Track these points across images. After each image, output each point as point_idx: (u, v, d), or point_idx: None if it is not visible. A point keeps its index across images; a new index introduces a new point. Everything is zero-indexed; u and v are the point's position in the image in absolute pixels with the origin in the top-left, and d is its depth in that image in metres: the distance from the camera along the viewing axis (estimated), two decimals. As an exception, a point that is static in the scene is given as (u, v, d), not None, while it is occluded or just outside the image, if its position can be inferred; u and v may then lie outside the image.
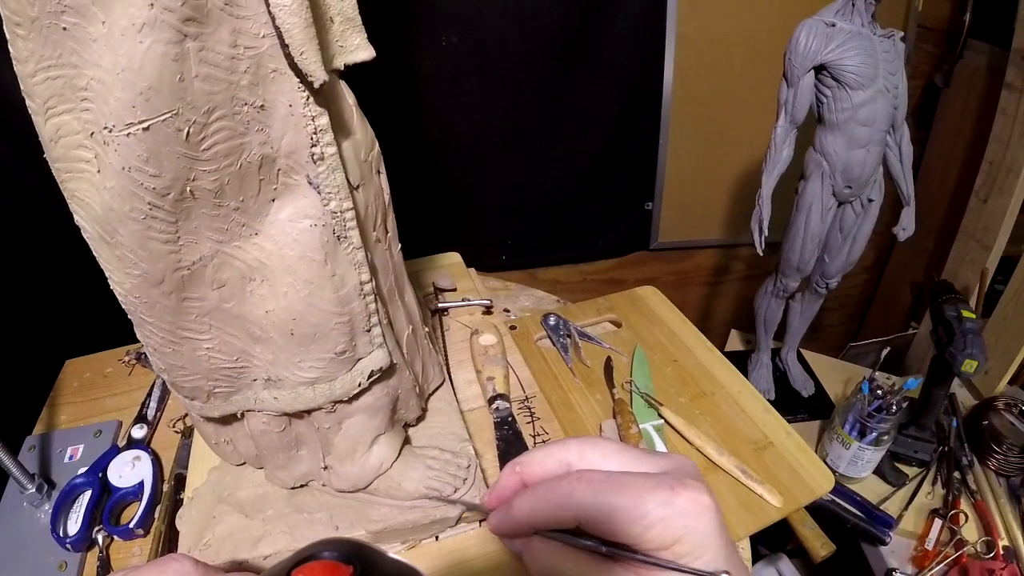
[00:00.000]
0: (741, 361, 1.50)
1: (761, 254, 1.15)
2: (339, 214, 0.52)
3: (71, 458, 0.83)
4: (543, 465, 0.42)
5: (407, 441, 0.71)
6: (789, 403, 1.45)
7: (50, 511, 0.75)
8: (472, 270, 1.14)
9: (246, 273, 0.52)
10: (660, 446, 0.82)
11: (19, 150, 1.13)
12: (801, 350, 1.55)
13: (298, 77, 0.46)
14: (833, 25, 1.00)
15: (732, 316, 2.19)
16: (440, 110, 1.46)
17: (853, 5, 1.01)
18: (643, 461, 0.40)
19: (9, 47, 0.41)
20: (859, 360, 1.74)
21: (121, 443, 0.85)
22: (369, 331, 0.58)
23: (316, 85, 0.45)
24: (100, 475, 0.78)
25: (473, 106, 1.47)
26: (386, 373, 0.62)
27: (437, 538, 0.68)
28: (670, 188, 1.79)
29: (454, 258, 1.17)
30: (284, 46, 0.43)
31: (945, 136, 1.87)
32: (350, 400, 0.60)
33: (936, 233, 1.91)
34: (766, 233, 1.14)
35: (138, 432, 0.85)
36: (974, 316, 1.18)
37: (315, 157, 0.49)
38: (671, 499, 0.35)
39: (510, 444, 0.77)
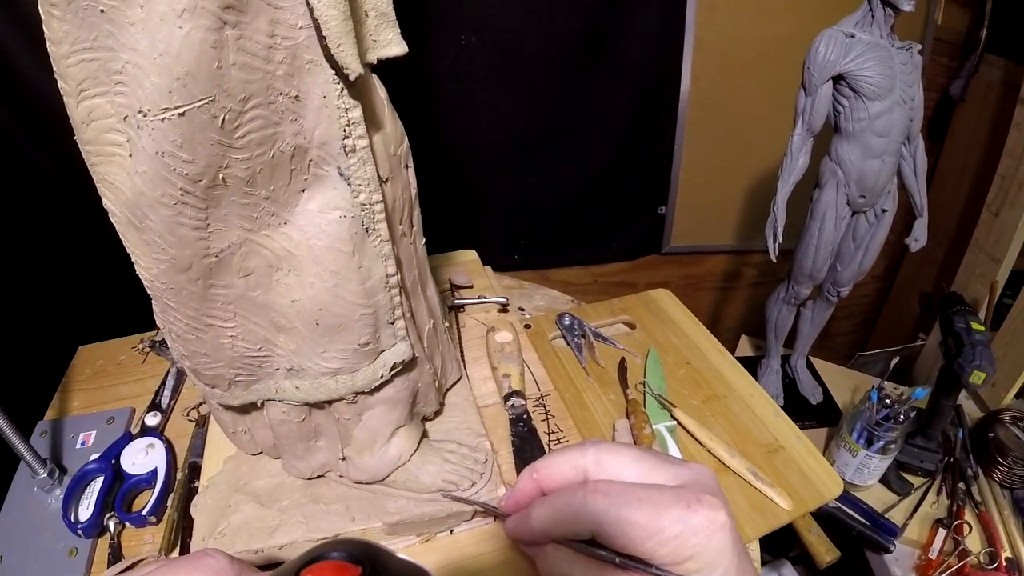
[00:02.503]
0: (751, 367, 1.49)
1: (774, 260, 1.15)
2: (368, 206, 0.52)
3: (83, 444, 0.83)
4: (560, 471, 0.42)
5: (424, 435, 0.71)
6: (797, 409, 1.45)
7: (61, 497, 0.74)
8: (488, 268, 1.14)
9: (273, 262, 0.52)
10: (673, 447, 0.83)
11: (34, 136, 1.14)
12: (810, 357, 1.56)
13: (333, 69, 0.46)
14: (852, 36, 1.01)
15: (742, 322, 2.19)
16: (457, 108, 1.46)
17: (872, 16, 1.01)
18: (661, 470, 0.40)
19: (44, 27, 0.41)
20: (867, 369, 1.75)
21: (134, 430, 0.85)
22: (393, 324, 0.58)
23: (351, 78, 0.45)
24: (113, 462, 0.78)
25: (490, 105, 1.48)
26: (408, 366, 0.62)
27: (452, 532, 0.68)
28: (684, 192, 1.80)
29: (471, 255, 1.17)
30: (321, 38, 0.44)
31: (958, 149, 1.87)
32: (371, 392, 0.60)
33: (947, 245, 1.92)
34: (780, 240, 1.14)
35: (152, 420, 0.85)
36: (983, 328, 1.18)
37: (347, 149, 0.49)
38: (687, 516, 0.35)
39: (525, 441, 0.78)
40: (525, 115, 1.52)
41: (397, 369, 0.60)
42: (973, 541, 1.18)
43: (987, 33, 1.64)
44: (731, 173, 1.81)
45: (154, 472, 0.77)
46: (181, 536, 0.71)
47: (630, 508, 0.36)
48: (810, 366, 1.56)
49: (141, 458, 0.79)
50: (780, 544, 1.40)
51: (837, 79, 1.03)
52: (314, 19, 0.43)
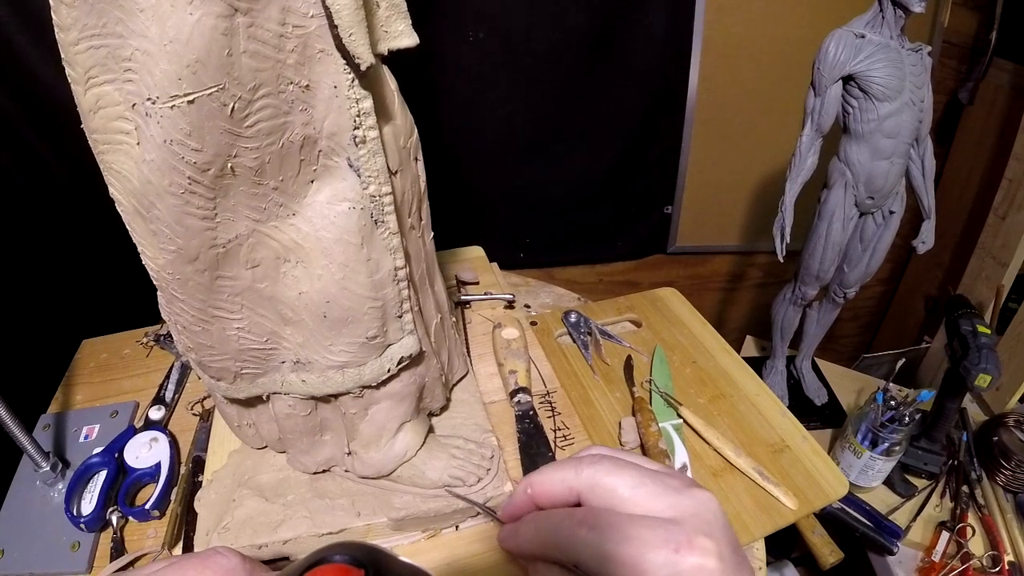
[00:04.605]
0: (756, 367, 1.49)
1: (782, 260, 1.15)
2: (377, 198, 0.51)
3: (86, 438, 0.83)
4: (553, 488, 0.40)
5: (431, 430, 0.70)
6: (802, 410, 1.45)
7: (64, 490, 0.74)
8: (495, 265, 1.14)
9: (281, 254, 0.51)
10: (679, 445, 0.82)
11: (39, 128, 1.13)
12: (815, 359, 1.55)
13: (344, 59, 0.45)
14: (862, 36, 1.00)
15: (747, 322, 2.19)
16: (464, 105, 1.46)
17: (883, 17, 1.00)
18: (659, 499, 0.38)
19: (52, 14, 0.41)
20: (871, 371, 1.75)
21: (138, 424, 0.85)
22: (400, 317, 0.58)
23: (363, 68, 0.45)
24: (116, 455, 0.78)
25: (497, 103, 1.48)
26: (415, 360, 0.62)
27: (457, 528, 0.68)
28: (690, 192, 1.80)
29: (477, 252, 1.17)
30: (333, 27, 0.43)
31: (966, 152, 1.87)
32: (378, 386, 0.59)
33: (953, 248, 1.91)
34: (788, 240, 1.14)
35: (155, 414, 0.85)
36: (989, 331, 1.18)
37: (357, 140, 0.49)
38: (674, 560, 0.34)
39: (531, 437, 0.77)
40: (532, 113, 1.52)
41: (404, 363, 0.60)
42: (976, 544, 1.18)
43: (996, 36, 1.63)
44: (738, 173, 1.81)
45: (158, 466, 0.77)
46: (185, 530, 0.71)
47: (615, 545, 0.35)
48: (815, 367, 1.56)
49: (145, 452, 0.78)
50: (783, 545, 1.40)
51: (847, 80, 1.03)
52: (326, 8, 0.42)
